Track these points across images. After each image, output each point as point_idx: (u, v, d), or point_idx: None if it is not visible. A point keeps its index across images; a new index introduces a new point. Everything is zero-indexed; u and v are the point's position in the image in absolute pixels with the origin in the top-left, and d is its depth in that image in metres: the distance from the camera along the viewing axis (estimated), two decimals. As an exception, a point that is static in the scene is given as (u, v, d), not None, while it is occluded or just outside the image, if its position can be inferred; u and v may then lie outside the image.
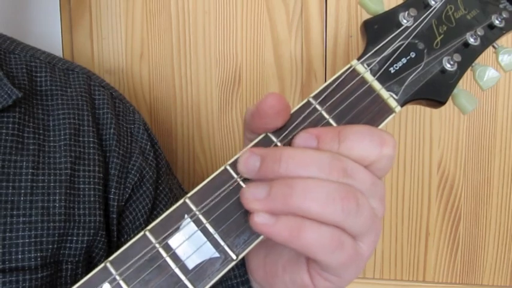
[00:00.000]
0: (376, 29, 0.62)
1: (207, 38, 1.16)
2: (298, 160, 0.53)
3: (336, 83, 0.59)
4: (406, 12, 0.62)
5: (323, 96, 0.59)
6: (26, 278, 0.73)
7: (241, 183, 0.56)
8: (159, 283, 0.54)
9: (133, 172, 0.85)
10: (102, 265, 0.55)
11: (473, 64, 0.63)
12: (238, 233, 0.55)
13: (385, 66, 0.60)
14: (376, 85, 0.59)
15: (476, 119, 1.12)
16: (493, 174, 1.14)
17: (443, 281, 1.19)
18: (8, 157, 0.75)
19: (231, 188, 0.56)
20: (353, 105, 0.59)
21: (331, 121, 0.58)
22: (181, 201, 0.56)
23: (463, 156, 1.13)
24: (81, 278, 0.55)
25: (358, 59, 0.60)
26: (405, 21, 0.62)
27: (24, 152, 0.76)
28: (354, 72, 0.60)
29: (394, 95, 0.60)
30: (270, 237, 0.53)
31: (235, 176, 0.56)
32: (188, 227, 0.55)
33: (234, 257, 0.55)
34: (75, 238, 0.78)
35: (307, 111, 0.58)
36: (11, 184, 0.74)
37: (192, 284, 0.54)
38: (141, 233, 0.55)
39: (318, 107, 0.58)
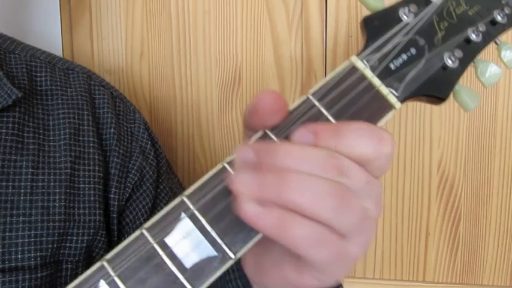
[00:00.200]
0: (376, 25, 0.61)
1: (207, 38, 1.16)
2: (294, 155, 0.53)
3: (335, 79, 0.58)
4: (407, 8, 0.61)
5: (322, 93, 0.58)
6: (26, 277, 0.73)
7: None
8: (156, 282, 0.53)
9: (133, 171, 0.85)
10: (98, 263, 0.54)
11: (474, 60, 0.63)
12: (237, 231, 0.55)
13: (385, 63, 0.60)
14: (376, 81, 0.59)
15: (476, 119, 1.12)
16: (493, 174, 1.14)
17: (443, 281, 1.18)
18: (8, 157, 0.75)
19: (228, 186, 0.56)
20: (352, 102, 0.58)
21: (330, 117, 0.57)
22: (178, 199, 0.55)
23: (463, 156, 1.13)
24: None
25: (358, 55, 0.60)
26: (405, 17, 0.61)
27: (24, 151, 0.76)
28: (353, 69, 0.59)
29: (394, 91, 0.59)
30: (255, 227, 0.52)
31: (233, 174, 0.56)
32: (185, 225, 0.55)
33: (232, 255, 0.54)
34: (74, 238, 0.77)
35: (306, 107, 0.57)
36: (10, 184, 0.74)
37: (190, 282, 0.53)
38: (138, 231, 0.55)
39: (316, 103, 0.57)
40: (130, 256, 0.54)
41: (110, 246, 0.83)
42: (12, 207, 0.73)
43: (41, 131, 0.79)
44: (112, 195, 0.83)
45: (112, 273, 0.53)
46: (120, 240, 0.84)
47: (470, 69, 0.64)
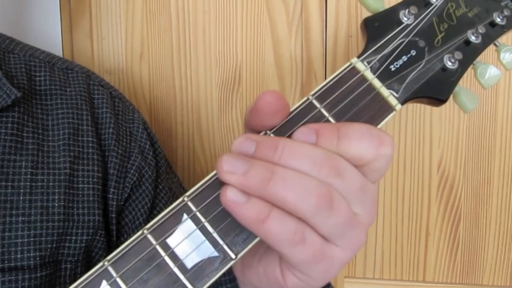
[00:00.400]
0: (377, 26, 0.61)
1: (207, 38, 1.16)
2: (293, 151, 0.53)
3: (336, 81, 0.59)
4: (407, 10, 0.61)
5: (323, 94, 0.58)
6: (25, 277, 0.73)
7: None
8: (158, 282, 0.54)
9: (132, 171, 0.85)
10: (100, 264, 0.54)
11: (474, 62, 0.63)
12: (238, 232, 0.55)
13: (385, 64, 0.60)
14: (376, 83, 0.59)
15: (476, 119, 1.12)
16: (493, 174, 1.14)
17: (443, 281, 1.19)
18: (7, 157, 0.75)
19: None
20: (353, 104, 0.58)
21: (331, 119, 0.57)
22: (180, 200, 0.56)
23: (463, 156, 1.13)
24: (80, 277, 0.54)
25: (358, 56, 0.60)
26: (406, 19, 0.61)
27: (24, 151, 0.76)
28: (353, 70, 0.59)
29: (394, 93, 0.59)
30: (235, 216, 0.52)
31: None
32: (187, 225, 0.55)
33: (233, 256, 0.54)
34: (73, 238, 0.77)
35: (307, 109, 0.58)
36: (10, 184, 0.74)
37: (191, 283, 0.54)
38: (140, 232, 0.55)
39: (317, 105, 0.58)
40: (132, 257, 0.54)
41: (109, 246, 0.83)
42: (11, 207, 0.73)
43: (40, 131, 0.79)
44: (111, 195, 0.83)
45: (114, 274, 0.54)
46: (119, 240, 0.85)
47: (469, 71, 0.64)
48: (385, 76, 0.60)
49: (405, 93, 0.60)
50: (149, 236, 0.55)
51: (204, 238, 0.55)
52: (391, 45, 0.61)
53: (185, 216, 0.55)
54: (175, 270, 0.54)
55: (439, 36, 0.62)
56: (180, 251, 0.54)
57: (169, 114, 1.21)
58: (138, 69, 1.20)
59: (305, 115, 0.57)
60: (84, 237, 0.78)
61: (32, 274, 0.73)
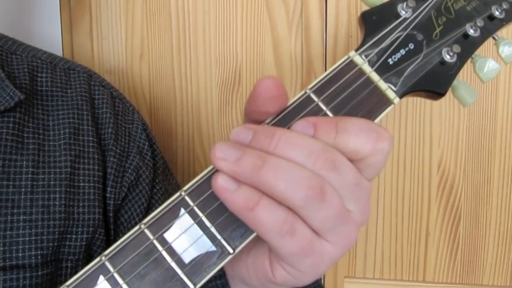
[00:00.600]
0: (374, 20, 0.61)
1: (207, 38, 1.16)
2: (290, 141, 0.53)
3: (334, 75, 0.59)
4: (405, 4, 0.61)
5: (321, 88, 0.58)
6: (27, 275, 0.73)
7: None
8: (155, 277, 0.54)
9: (129, 171, 0.85)
10: (97, 259, 0.54)
11: (473, 56, 0.62)
12: (235, 227, 0.55)
13: (383, 58, 0.60)
14: (374, 76, 0.59)
15: (476, 119, 1.12)
16: (493, 174, 1.14)
17: (443, 281, 1.18)
18: (9, 156, 0.75)
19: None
20: (351, 97, 0.58)
21: (329, 113, 0.57)
22: (177, 195, 0.56)
23: (463, 156, 1.13)
24: (80, 275, 0.55)
25: (356, 50, 0.60)
26: (404, 12, 0.61)
27: (24, 151, 0.76)
28: (351, 64, 0.59)
29: (392, 87, 0.59)
30: (225, 203, 0.52)
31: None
32: (184, 220, 0.55)
33: (231, 250, 0.54)
34: (74, 236, 0.78)
35: (305, 102, 0.58)
36: (11, 183, 0.74)
37: (189, 277, 0.54)
38: (137, 227, 0.55)
39: (315, 98, 0.58)
40: (130, 252, 0.54)
41: (108, 245, 0.83)
42: (13, 206, 0.74)
43: (40, 131, 0.79)
44: (108, 194, 0.83)
45: (111, 269, 0.54)
46: (115, 239, 0.85)
47: (468, 67, 0.64)
48: (383, 69, 0.59)
49: (403, 87, 0.60)
50: (146, 231, 0.55)
51: (201, 233, 0.55)
52: (389, 38, 0.60)
53: (182, 210, 0.55)
54: (173, 265, 0.54)
55: (437, 30, 0.62)
56: (177, 246, 0.54)
57: (169, 114, 1.21)
58: (138, 69, 1.20)
59: (303, 109, 0.57)
60: (85, 236, 0.78)
61: (33, 273, 0.73)
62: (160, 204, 0.87)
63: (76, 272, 0.78)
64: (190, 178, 1.16)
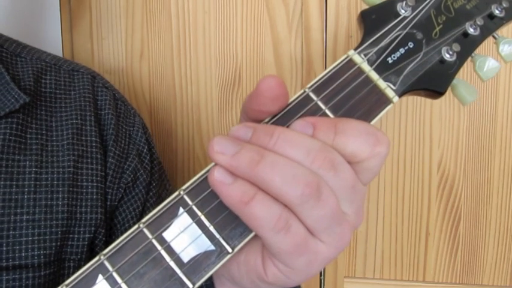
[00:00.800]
0: (374, 19, 0.61)
1: (207, 38, 1.16)
2: (289, 139, 0.53)
3: (333, 74, 0.59)
4: (404, 2, 0.61)
5: (319, 87, 0.58)
6: (29, 275, 0.73)
7: None
8: (154, 276, 0.54)
9: (127, 173, 0.85)
10: (96, 258, 0.54)
11: (472, 55, 0.62)
12: (234, 226, 0.55)
13: (382, 57, 0.60)
14: (373, 75, 0.59)
15: (476, 119, 1.12)
16: (493, 174, 1.14)
17: (443, 281, 1.18)
18: (12, 157, 0.75)
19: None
20: (350, 96, 0.58)
21: (328, 112, 0.57)
22: (176, 194, 0.56)
23: (463, 156, 1.13)
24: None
25: (355, 49, 0.60)
26: (403, 11, 0.61)
27: (27, 151, 0.77)
28: (350, 63, 0.59)
29: (391, 86, 0.59)
30: (220, 196, 0.53)
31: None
32: (183, 219, 0.55)
33: (229, 249, 0.54)
34: (76, 236, 0.78)
35: (304, 101, 0.58)
36: (14, 183, 0.75)
37: (187, 277, 0.54)
38: (136, 226, 0.55)
39: (314, 97, 0.58)
40: (129, 251, 0.54)
41: (107, 244, 0.83)
42: (16, 205, 0.74)
43: (43, 132, 0.80)
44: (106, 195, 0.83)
45: (110, 268, 0.54)
46: (110, 238, 0.85)
47: (468, 66, 0.63)
48: (382, 68, 0.59)
49: (402, 86, 0.59)
50: (145, 230, 0.55)
51: (200, 232, 0.55)
52: (388, 37, 0.60)
53: (181, 209, 0.55)
54: (172, 264, 0.54)
55: (437, 29, 0.62)
56: (176, 245, 0.54)
57: (169, 114, 1.21)
58: (138, 69, 1.20)
59: (301, 108, 0.57)
60: (87, 235, 0.79)
61: (36, 273, 0.74)
62: (153, 209, 0.88)
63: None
64: (190, 178, 1.17)
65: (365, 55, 0.59)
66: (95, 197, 0.80)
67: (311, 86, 0.58)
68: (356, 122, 0.55)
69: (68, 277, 0.77)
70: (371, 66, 0.59)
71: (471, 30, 0.62)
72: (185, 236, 0.55)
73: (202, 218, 0.55)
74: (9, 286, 0.72)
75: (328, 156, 0.53)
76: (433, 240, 1.17)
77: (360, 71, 0.59)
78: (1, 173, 0.74)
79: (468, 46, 0.62)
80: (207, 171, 0.56)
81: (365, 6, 0.63)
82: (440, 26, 0.62)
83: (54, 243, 0.75)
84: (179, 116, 1.21)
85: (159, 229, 0.55)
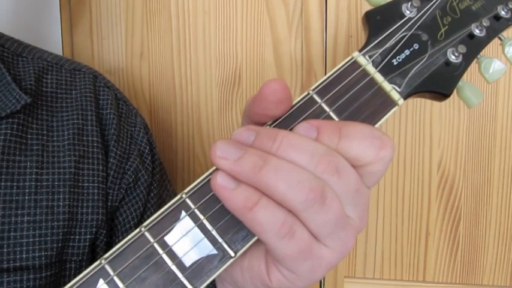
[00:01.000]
0: (379, 20, 0.60)
1: (207, 38, 1.16)
2: (292, 143, 0.52)
3: (337, 76, 0.58)
4: (409, 3, 0.60)
5: (323, 89, 0.57)
6: (30, 277, 0.73)
7: None
8: (156, 281, 0.53)
9: (129, 173, 0.85)
10: (97, 262, 0.54)
11: (478, 56, 0.62)
12: (237, 230, 0.54)
13: (387, 58, 0.59)
14: (378, 77, 0.58)
15: (476, 119, 1.12)
16: (493, 174, 1.14)
17: (443, 281, 1.18)
18: (12, 157, 0.75)
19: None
20: (354, 98, 0.57)
21: (332, 114, 0.57)
22: (178, 197, 0.55)
23: (463, 156, 1.13)
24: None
25: (360, 50, 0.59)
26: (408, 12, 0.61)
27: (28, 152, 0.77)
28: (355, 64, 0.58)
29: (396, 88, 0.58)
30: (223, 202, 0.52)
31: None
32: (185, 223, 0.54)
33: (232, 254, 0.54)
34: (77, 237, 0.78)
35: (308, 104, 0.57)
36: (15, 184, 0.74)
37: (189, 281, 0.53)
38: (137, 230, 0.54)
39: (318, 99, 0.57)
40: (130, 255, 0.54)
41: (108, 245, 0.83)
42: (17, 207, 0.74)
43: (44, 132, 0.79)
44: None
45: (111, 272, 0.53)
46: (111, 239, 0.85)
47: (473, 66, 0.63)
48: (387, 70, 0.59)
49: (408, 88, 0.59)
50: (147, 234, 0.54)
51: (202, 236, 0.54)
52: (394, 38, 0.60)
53: (183, 213, 0.55)
54: (174, 268, 0.53)
55: (443, 30, 0.61)
56: (178, 249, 0.54)
57: (169, 114, 1.21)
58: (138, 69, 1.20)
59: (305, 110, 0.57)
60: (88, 236, 0.78)
61: (37, 274, 0.73)
62: (154, 209, 0.88)
63: (80, 273, 0.78)
64: (190, 178, 1.17)
65: (370, 57, 0.59)
66: (96, 197, 0.80)
67: (315, 88, 0.57)
68: (361, 126, 0.55)
69: (69, 278, 0.78)
70: (376, 68, 0.58)
71: (477, 32, 0.62)
72: (187, 240, 0.54)
73: (205, 221, 0.54)
74: None
75: (332, 160, 0.52)
76: (433, 240, 1.17)
77: (365, 73, 0.58)
78: (2, 174, 0.74)
79: (474, 48, 0.62)
80: (210, 174, 0.55)
81: (366, 7, 0.63)
82: (446, 27, 0.61)
83: (55, 245, 0.75)
84: (179, 116, 1.21)
85: (161, 233, 0.54)
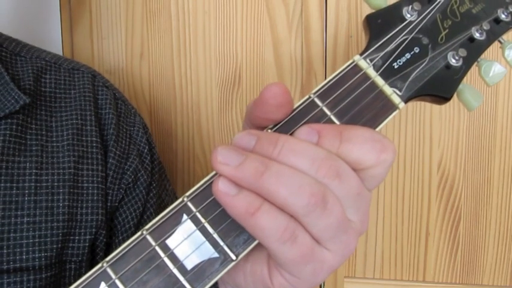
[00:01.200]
0: (379, 23, 0.60)
1: (207, 38, 1.16)
2: (293, 148, 0.52)
3: (338, 79, 0.58)
4: (410, 7, 0.61)
5: (325, 93, 0.57)
6: (30, 278, 0.73)
7: None
8: (157, 284, 0.53)
9: (128, 173, 0.85)
10: (99, 265, 0.54)
11: (478, 59, 0.62)
12: (238, 233, 0.54)
13: (388, 62, 0.59)
14: (379, 81, 0.58)
15: (476, 119, 1.12)
16: (493, 174, 1.14)
17: (443, 281, 1.18)
18: (12, 158, 0.75)
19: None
20: (355, 102, 0.57)
21: (333, 118, 0.57)
22: (179, 201, 0.55)
23: (463, 156, 1.13)
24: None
25: (361, 54, 0.59)
26: (409, 15, 0.61)
27: (27, 153, 0.76)
28: (356, 68, 0.58)
29: (397, 91, 0.58)
30: (225, 208, 0.52)
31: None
32: (187, 226, 0.54)
33: (233, 257, 0.54)
34: (77, 237, 0.78)
35: (309, 107, 0.57)
36: (15, 185, 0.74)
37: (191, 284, 0.53)
38: (139, 233, 0.54)
39: (319, 103, 0.57)
40: (131, 258, 0.54)
41: (108, 245, 0.83)
42: (16, 207, 0.73)
43: (43, 132, 0.79)
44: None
45: (113, 275, 0.53)
46: (110, 239, 0.85)
47: (473, 68, 0.63)
48: (388, 74, 0.59)
49: (408, 91, 0.59)
50: (148, 237, 0.54)
51: (204, 239, 0.54)
52: (394, 42, 0.60)
53: (185, 216, 0.54)
54: (175, 271, 0.53)
55: (443, 33, 0.61)
56: (179, 252, 0.54)
57: (169, 114, 1.21)
58: (138, 69, 1.20)
59: (306, 114, 0.57)
60: (88, 237, 0.78)
61: (37, 275, 0.73)
62: (154, 209, 0.88)
63: (80, 274, 0.78)
64: (190, 178, 1.17)
65: (371, 60, 0.59)
66: (95, 198, 0.80)
67: (316, 92, 0.57)
68: (362, 129, 0.55)
69: (69, 279, 0.78)
70: (377, 71, 0.58)
71: (477, 35, 0.62)
72: (189, 243, 0.54)
73: (206, 225, 0.54)
74: None
75: (333, 164, 0.52)
76: (433, 240, 1.17)
77: (366, 77, 0.58)
78: (1, 175, 0.74)
79: (474, 51, 0.62)
80: (211, 177, 0.55)
81: (366, 7, 0.63)
82: (446, 30, 0.61)
83: (55, 245, 0.75)
84: (179, 116, 1.20)
85: (163, 236, 0.54)
